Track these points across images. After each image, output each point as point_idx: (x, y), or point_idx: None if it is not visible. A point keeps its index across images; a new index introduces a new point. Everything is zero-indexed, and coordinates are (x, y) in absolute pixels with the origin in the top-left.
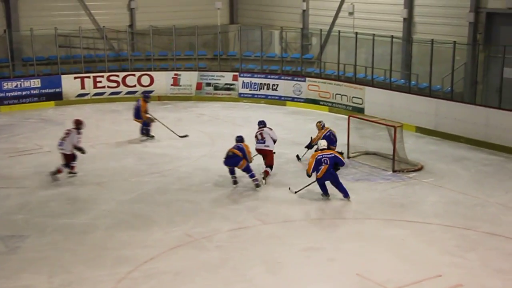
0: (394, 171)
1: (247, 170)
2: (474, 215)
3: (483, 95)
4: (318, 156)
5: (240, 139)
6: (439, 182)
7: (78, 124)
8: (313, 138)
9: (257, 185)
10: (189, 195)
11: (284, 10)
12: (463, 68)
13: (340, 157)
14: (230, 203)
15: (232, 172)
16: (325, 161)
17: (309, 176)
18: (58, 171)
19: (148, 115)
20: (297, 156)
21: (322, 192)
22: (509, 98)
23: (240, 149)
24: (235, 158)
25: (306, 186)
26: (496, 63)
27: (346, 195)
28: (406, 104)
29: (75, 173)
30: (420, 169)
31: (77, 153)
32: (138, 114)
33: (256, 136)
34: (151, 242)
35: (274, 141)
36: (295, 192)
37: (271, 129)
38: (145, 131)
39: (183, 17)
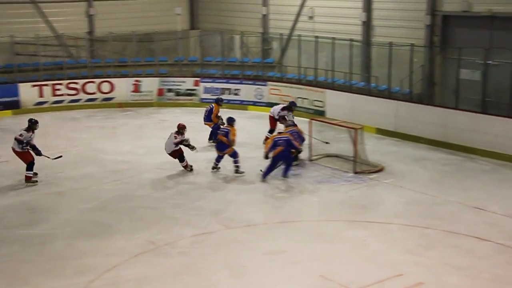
0: (355, 172)
1: (233, 155)
2: (434, 214)
3: (440, 96)
4: (275, 138)
5: (230, 120)
6: (399, 182)
7: (31, 124)
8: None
9: (237, 171)
10: (151, 202)
11: (245, 15)
12: (421, 70)
13: (295, 143)
14: (193, 209)
15: (218, 159)
16: (281, 143)
17: (266, 158)
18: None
19: (217, 118)
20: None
21: (264, 171)
22: (466, 98)
23: (226, 133)
24: (223, 145)
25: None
26: (452, 64)
27: (284, 174)
28: (366, 106)
29: (32, 182)
30: (381, 170)
31: (36, 158)
32: (209, 117)
33: None
34: (113, 250)
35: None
36: (261, 171)
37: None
38: (214, 136)
39: (142, 23)
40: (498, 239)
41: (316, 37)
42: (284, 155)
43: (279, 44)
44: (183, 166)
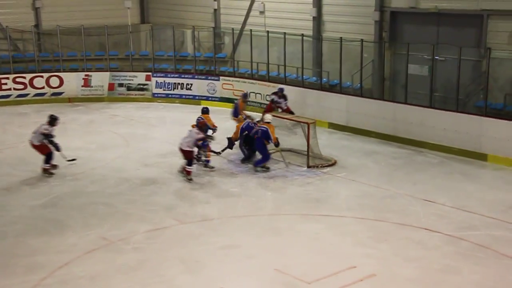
0: (308, 166)
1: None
2: (385, 207)
3: (390, 91)
4: (244, 124)
5: (205, 110)
6: (351, 176)
7: (52, 119)
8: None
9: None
10: (104, 198)
11: (196, 10)
12: (371, 65)
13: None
14: (147, 204)
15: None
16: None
17: (232, 143)
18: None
19: (242, 115)
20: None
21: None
22: (414, 93)
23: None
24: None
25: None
26: (401, 60)
27: (256, 164)
28: (318, 101)
29: (49, 174)
30: (333, 164)
31: None
32: (237, 112)
33: None
34: (65, 247)
35: None
36: (219, 153)
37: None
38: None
39: (92, 16)
40: (447, 231)
41: (267, 32)
42: (259, 144)
43: (231, 39)
44: (185, 171)
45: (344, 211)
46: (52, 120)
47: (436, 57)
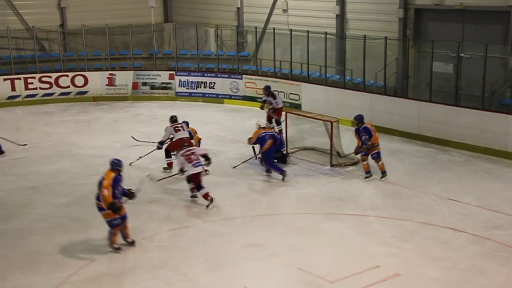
0: (332, 165)
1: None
2: (409, 206)
3: (414, 89)
4: (261, 133)
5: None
6: (375, 175)
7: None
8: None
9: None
10: None
11: (219, 8)
12: (395, 63)
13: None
14: (170, 203)
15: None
16: (268, 137)
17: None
18: None
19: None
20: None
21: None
22: (439, 91)
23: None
24: None
25: (245, 161)
26: (425, 57)
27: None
28: (341, 99)
29: None
30: (357, 163)
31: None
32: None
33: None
34: (90, 245)
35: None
36: (234, 167)
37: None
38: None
39: (116, 16)
40: (472, 230)
41: (291, 30)
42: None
43: (254, 37)
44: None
45: (368, 210)
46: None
47: (461, 55)
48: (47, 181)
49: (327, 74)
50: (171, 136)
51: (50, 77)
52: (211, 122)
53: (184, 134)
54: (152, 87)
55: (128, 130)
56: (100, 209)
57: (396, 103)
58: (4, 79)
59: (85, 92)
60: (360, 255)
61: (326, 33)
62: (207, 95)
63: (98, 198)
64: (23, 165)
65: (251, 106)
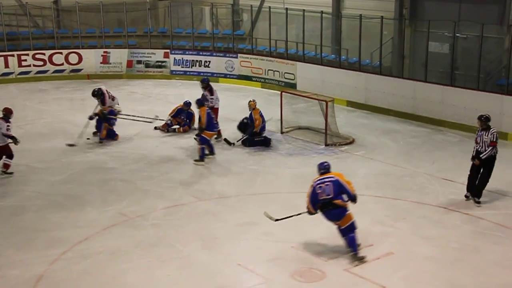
0: (326, 145)
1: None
2: (403, 186)
3: (410, 69)
4: (316, 182)
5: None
6: (369, 154)
7: (7, 113)
8: (254, 124)
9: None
10: (122, 174)
11: None
12: (390, 42)
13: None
14: (165, 181)
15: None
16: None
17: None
18: (6, 166)
19: None
20: (226, 140)
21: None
22: (434, 71)
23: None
24: None
25: (292, 216)
26: (421, 37)
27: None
28: (337, 79)
29: (10, 173)
30: (351, 142)
31: (12, 147)
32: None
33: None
34: (84, 222)
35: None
36: (276, 220)
37: None
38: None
39: None
40: (465, 210)
41: (286, 9)
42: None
43: (250, 16)
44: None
45: (362, 190)
46: (8, 113)
47: (457, 35)
48: (41, 158)
49: (322, 54)
50: None
51: (43, 54)
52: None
53: None
54: (147, 65)
55: (122, 108)
56: None
57: (392, 82)
58: None
59: (79, 70)
60: None
61: (322, 12)
62: (202, 73)
63: None
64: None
65: (246, 85)
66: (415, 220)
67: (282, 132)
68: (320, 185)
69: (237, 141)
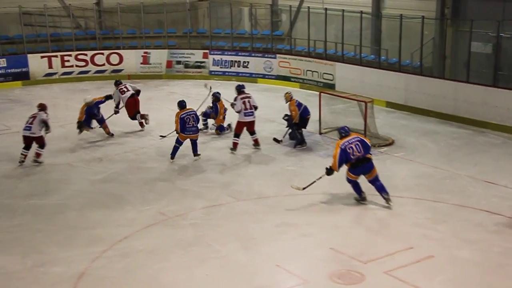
0: None
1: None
2: (444, 188)
3: (451, 69)
4: (343, 144)
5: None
6: (409, 156)
7: (43, 107)
8: (291, 115)
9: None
10: (161, 174)
11: None
12: (431, 42)
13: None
14: (203, 181)
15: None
16: (352, 148)
17: (332, 172)
18: (38, 155)
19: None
20: (275, 139)
21: (356, 195)
22: (477, 72)
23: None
24: None
25: (315, 181)
26: (463, 37)
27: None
28: (376, 80)
29: (40, 162)
30: (390, 143)
31: (45, 136)
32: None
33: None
34: (124, 221)
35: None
36: (303, 189)
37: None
38: None
39: None
40: (508, 213)
41: (326, 9)
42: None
43: (288, 17)
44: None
45: (401, 192)
46: (44, 108)
47: (501, 34)
48: (83, 157)
49: (362, 54)
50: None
51: (86, 55)
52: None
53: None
54: (186, 65)
55: (162, 108)
56: None
57: (432, 83)
58: (42, 57)
59: (120, 70)
60: (393, 236)
61: (361, 12)
62: (240, 74)
63: None
64: (60, 142)
65: (284, 85)
66: (456, 223)
67: (320, 133)
68: (350, 146)
69: (283, 137)
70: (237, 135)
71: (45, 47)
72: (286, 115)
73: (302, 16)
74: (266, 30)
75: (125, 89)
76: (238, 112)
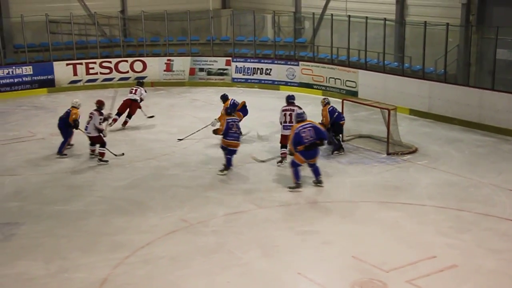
0: (388, 153)
1: None
2: (468, 197)
3: (476, 77)
4: (297, 128)
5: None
6: (433, 164)
7: (100, 105)
8: (322, 121)
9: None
10: (183, 181)
11: None
12: (456, 50)
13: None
14: (225, 188)
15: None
16: (305, 132)
17: (292, 154)
18: (101, 154)
19: None
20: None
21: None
22: (502, 79)
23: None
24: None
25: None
26: (489, 44)
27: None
28: (399, 87)
29: (106, 161)
30: (414, 151)
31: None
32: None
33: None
34: (146, 227)
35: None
36: (262, 161)
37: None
38: None
39: (175, 2)
40: None
41: (349, 16)
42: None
43: (311, 24)
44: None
45: (424, 200)
46: (101, 105)
47: None
48: (106, 164)
49: (385, 61)
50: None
51: (110, 62)
52: (266, 109)
53: None
54: (209, 73)
55: (185, 115)
56: None
57: (457, 91)
58: (67, 64)
59: (144, 78)
60: (416, 245)
61: (385, 19)
62: (263, 81)
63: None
64: (83, 148)
65: (307, 93)
66: (481, 232)
67: (343, 141)
68: (303, 130)
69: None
70: (283, 146)
71: (70, 54)
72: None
73: (325, 24)
74: (289, 37)
75: (133, 91)
76: (280, 123)
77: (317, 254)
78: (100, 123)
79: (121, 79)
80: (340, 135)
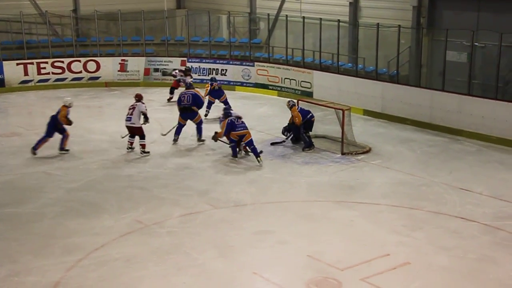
0: (343, 153)
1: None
2: (420, 195)
3: (427, 78)
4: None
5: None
6: (386, 163)
7: (140, 98)
8: (295, 121)
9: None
10: (139, 182)
11: None
12: (408, 51)
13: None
14: (181, 189)
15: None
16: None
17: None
18: (143, 145)
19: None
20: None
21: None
22: (452, 80)
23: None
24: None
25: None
26: (439, 46)
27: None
28: (353, 88)
29: (147, 152)
30: (368, 151)
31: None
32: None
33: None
34: (101, 229)
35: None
36: (164, 135)
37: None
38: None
39: (128, 1)
40: (483, 220)
41: (303, 17)
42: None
43: (266, 25)
44: (142, 150)
45: (378, 199)
46: (141, 98)
47: (475, 44)
48: (58, 165)
49: (339, 62)
50: None
51: (62, 62)
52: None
53: None
54: (164, 73)
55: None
56: None
57: (409, 92)
58: (17, 64)
59: (97, 78)
60: (370, 243)
61: (339, 21)
62: (218, 82)
63: None
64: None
65: (262, 93)
66: (432, 230)
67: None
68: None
69: (287, 139)
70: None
71: (20, 54)
72: (284, 128)
73: (280, 25)
74: (244, 38)
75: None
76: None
77: (273, 254)
78: (146, 108)
79: (74, 79)
80: (309, 132)
